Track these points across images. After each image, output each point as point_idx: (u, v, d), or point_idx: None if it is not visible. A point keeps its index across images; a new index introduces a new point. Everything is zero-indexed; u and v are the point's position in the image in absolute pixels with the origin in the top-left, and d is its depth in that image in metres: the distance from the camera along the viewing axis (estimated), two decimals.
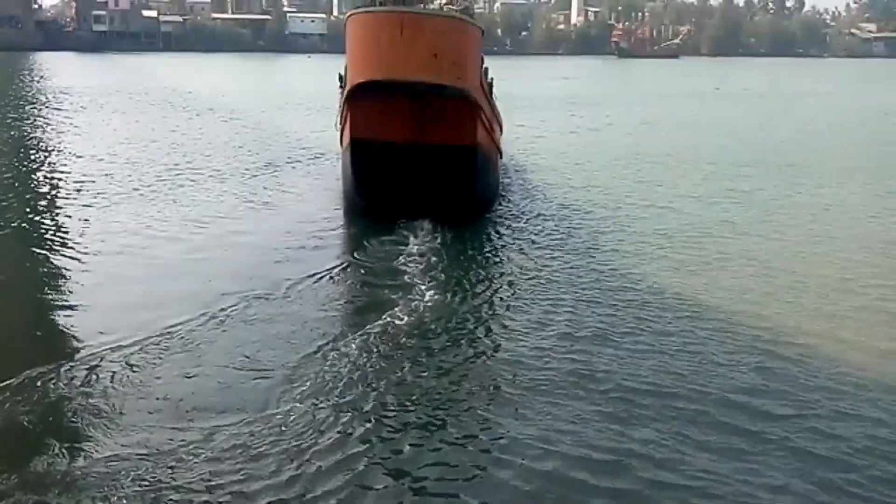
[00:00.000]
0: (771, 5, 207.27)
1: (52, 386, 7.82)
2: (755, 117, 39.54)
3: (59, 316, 10.29)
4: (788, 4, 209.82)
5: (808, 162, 23.83)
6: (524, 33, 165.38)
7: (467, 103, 14.57)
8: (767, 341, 9.28)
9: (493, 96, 17.27)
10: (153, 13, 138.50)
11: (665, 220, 15.84)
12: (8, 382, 7.74)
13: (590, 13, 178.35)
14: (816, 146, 27.76)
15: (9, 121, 32.31)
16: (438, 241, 13.22)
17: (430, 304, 10.34)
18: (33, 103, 39.62)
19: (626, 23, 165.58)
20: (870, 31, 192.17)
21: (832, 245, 13.98)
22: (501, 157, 18.72)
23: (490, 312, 10.43)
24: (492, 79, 17.13)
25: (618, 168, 22.54)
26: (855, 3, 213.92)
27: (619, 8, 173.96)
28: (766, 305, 10.64)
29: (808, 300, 10.95)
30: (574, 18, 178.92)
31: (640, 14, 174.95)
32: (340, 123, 16.80)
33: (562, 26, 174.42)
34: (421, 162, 14.25)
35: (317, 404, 7.51)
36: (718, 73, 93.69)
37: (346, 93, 15.02)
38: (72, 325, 9.83)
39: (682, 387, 8.00)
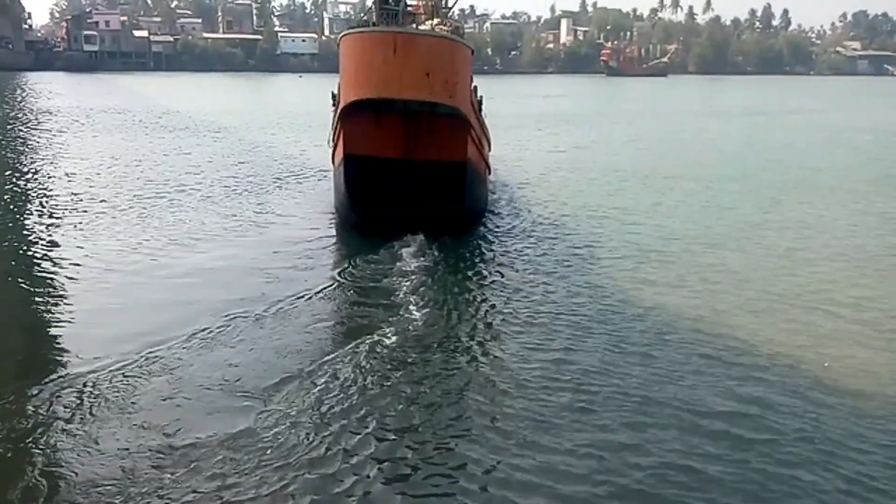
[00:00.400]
0: (757, 24, 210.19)
1: (31, 408, 7.70)
2: (738, 134, 39.70)
3: (42, 336, 10.14)
4: (775, 23, 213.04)
5: (789, 179, 23.91)
6: (514, 52, 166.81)
7: (458, 120, 14.81)
8: (757, 366, 9.21)
9: (483, 114, 17.49)
10: (144, 33, 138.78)
11: (649, 236, 15.81)
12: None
13: (578, 32, 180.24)
14: (797, 163, 27.85)
15: (2, 138, 32.24)
16: (430, 257, 13.24)
17: (420, 323, 10.21)
18: (22, 123, 39.36)
19: (615, 42, 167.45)
20: (854, 49, 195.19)
21: (812, 260, 14.07)
22: (489, 173, 18.90)
23: (480, 331, 10.36)
24: (481, 97, 17.40)
25: (601, 184, 22.69)
26: (840, 21, 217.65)
27: (608, 27, 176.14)
28: (753, 322, 10.64)
29: (794, 316, 10.96)
30: (563, 38, 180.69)
31: (628, 33, 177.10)
32: (333, 141, 16.92)
33: (551, 45, 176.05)
34: (413, 177, 14.45)
35: (301, 428, 7.42)
36: (705, 91, 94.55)
37: (339, 110, 15.18)
38: (55, 346, 9.67)
39: (674, 414, 7.94)
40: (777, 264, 13.79)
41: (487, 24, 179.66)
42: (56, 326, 10.43)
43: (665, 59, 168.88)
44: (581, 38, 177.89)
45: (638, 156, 30.01)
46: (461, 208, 15.41)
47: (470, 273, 13.17)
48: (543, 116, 48.57)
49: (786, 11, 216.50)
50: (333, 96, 16.99)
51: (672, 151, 31.76)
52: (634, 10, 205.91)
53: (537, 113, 51.51)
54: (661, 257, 14.13)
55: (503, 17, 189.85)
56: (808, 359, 9.42)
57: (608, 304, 11.39)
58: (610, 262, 13.80)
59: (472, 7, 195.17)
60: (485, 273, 13.20)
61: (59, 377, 8.51)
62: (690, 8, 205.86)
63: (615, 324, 10.56)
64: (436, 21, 17.41)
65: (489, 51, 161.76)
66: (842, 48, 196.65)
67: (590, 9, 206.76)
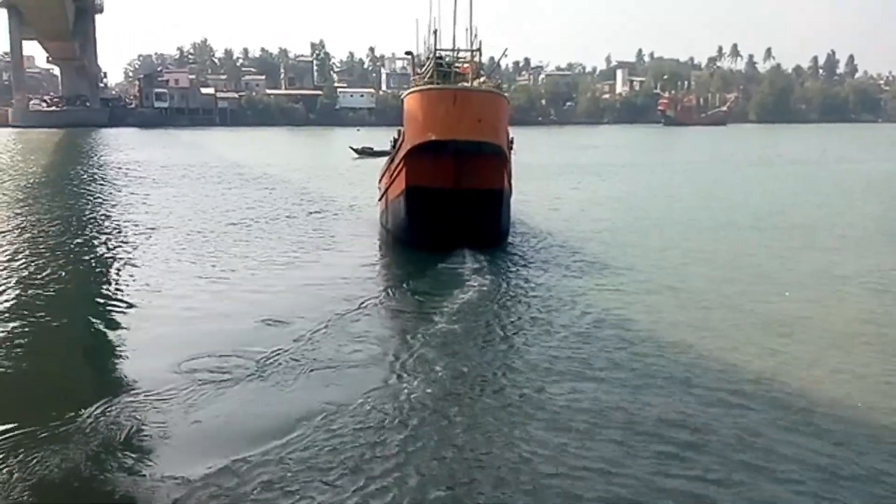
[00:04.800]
0: (821, 71, 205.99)
1: (87, 432, 8.07)
2: (771, 184, 38.44)
3: (119, 358, 11.05)
4: (839, 70, 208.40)
5: (814, 227, 23.12)
6: (569, 103, 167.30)
7: (500, 156, 18.33)
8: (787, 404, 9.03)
9: (513, 151, 20.49)
10: (211, 90, 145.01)
11: (669, 274, 16.17)
12: (65, 419, 8.26)
13: (634, 83, 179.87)
14: (827, 212, 26.66)
15: (78, 189, 34.49)
16: (473, 277, 15.10)
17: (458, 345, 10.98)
18: (99, 174, 42.17)
19: (672, 91, 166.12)
20: None
21: (824, 305, 13.76)
22: (511, 195, 21.09)
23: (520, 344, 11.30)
24: (512, 138, 20.50)
25: (615, 227, 22.86)
26: None
27: (665, 77, 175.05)
28: (784, 363, 10.50)
29: (825, 357, 10.83)
30: (619, 88, 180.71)
31: (685, 82, 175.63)
32: (389, 178, 20.27)
33: (607, 96, 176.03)
34: (460, 203, 17.56)
35: (346, 447, 7.72)
36: (760, 140, 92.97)
37: (406, 151, 18.37)
38: (119, 369, 10.59)
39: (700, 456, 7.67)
40: (791, 306, 13.63)
41: (542, 76, 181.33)
42: (121, 349, 11.39)
43: (724, 108, 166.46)
44: (637, 88, 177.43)
45: (662, 204, 29.44)
46: (498, 227, 19.00)
47: (504, 292, 14.47)
48: (580, 167, 48.08)
49: (851, 58, 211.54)
50: (395, 140, 20.53)
51: (697, 199, 31.00)
52: (692, 59, 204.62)
53: (574, 164, 50.88)
54: (681, 293, 14.41)
55: (558, 68, 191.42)
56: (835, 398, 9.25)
57: (627, 335, 11.68)
58: (630, 296, 14.20)
59: (526, 59, 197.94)
60: (526, 294, 14.38)
61: (137, 390, 9.14)
62: (751, 56, 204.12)
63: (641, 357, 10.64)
64: (482, 79, 20.49)
65: (544, 102, 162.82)
66: None
67: (646, 58, 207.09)
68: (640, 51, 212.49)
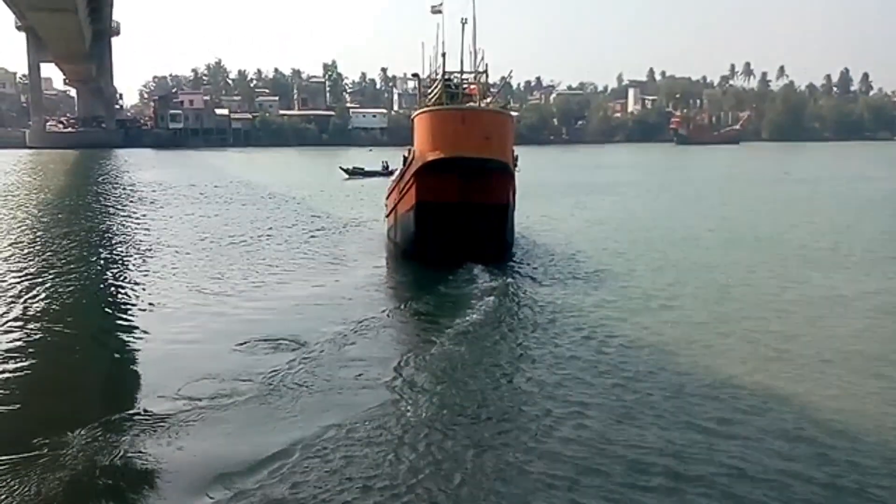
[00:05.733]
0: (835, 89, 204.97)
1: (97, 447, 8.19)
2: (789, 203, 38.15)
3: (119, 380, 11.27)
4: (853, 88, 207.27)
5: (819, 246, 22.86)
6: (581, 122, 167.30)
7: (506, 172, 19.25)
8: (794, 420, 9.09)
9: (517, 168, 21.36)
10: (225, 111, 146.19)
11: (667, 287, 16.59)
12: (58, 442, 8.28)
13: (647, 101, 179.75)
14: (834, 231, 26.32)
15: (89, 209, 35.09)
16: (481, 289, 15.53)
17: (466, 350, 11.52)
18: (112, 194, 43.00)
19: (684, 110, 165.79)
20: None
21: (826, 325, 13.71)
22: (515, 209, 21.79)
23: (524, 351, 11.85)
24: (517, 155, 21.37)
25: (628, 243, 23.35)
26: None
27: (677, 95, 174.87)
28: (789, 380, 10.57)
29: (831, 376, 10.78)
30: (630, 106, 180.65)
31: (698, 101, 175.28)
32: (398, 194, 21.01)
33: (619, 114, 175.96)
34: (468, 217, 18.28)
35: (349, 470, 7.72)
36: (775, 159, 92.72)
37: (416, 168, 19.14)
38: (139, 379, 10.89)
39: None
40: (783, 320, 13.81)
41: (554, 95, 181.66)
42: (139, 361, 11.85)
43: (737, 127, 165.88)
44: (649, 106, 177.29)
45: (668, 222, 29.37)
46: (503, 240, 19.75)
47: (512, 309, 14.73)
48: (588, 186, 47.82)
49: (866, 75, 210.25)
50: (405, 159, 21.39)
51: (702, 218, 30.78)
52: (704, 78, 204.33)
53: (582, 182, 50.72)
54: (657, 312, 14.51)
55: (569, 87, 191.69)
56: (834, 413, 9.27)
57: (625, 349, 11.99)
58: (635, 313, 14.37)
59: (538, 79, 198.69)
60: (526, 302, 15.06)
61: (139, 409, 9.31)
62: (763, 74, 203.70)
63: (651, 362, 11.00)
64: (489, 99, 21.28)
65: (555, 121, 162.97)
66: None
67: (658, 77, 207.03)
68: (651, 70, 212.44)
